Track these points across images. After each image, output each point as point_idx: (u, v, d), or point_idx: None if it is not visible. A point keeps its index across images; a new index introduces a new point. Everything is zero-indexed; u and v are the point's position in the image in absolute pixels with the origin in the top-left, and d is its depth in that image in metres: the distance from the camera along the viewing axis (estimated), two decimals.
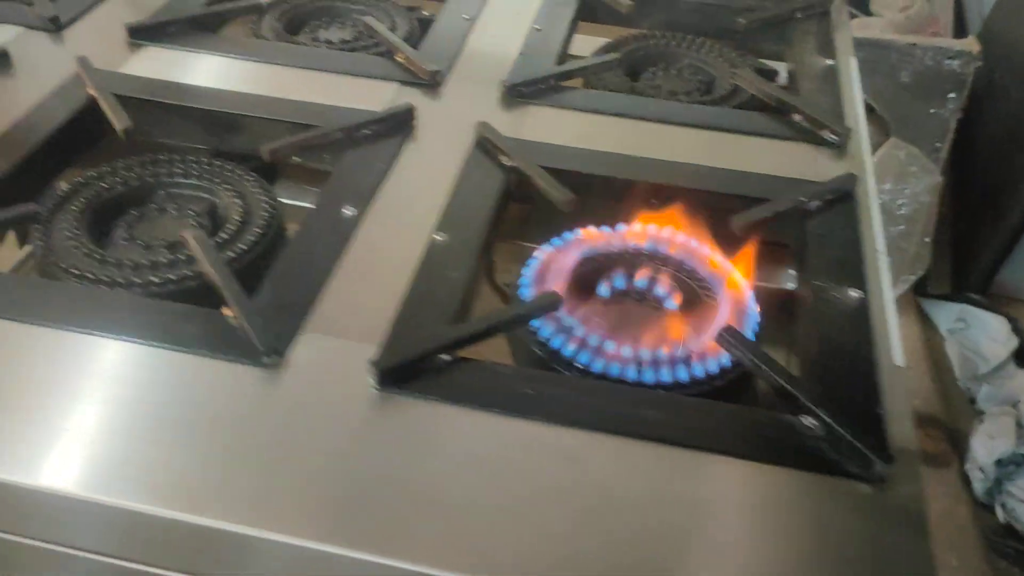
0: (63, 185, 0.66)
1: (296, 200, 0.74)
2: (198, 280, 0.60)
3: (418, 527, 0.46)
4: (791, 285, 0.70)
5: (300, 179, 0.77)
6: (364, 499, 0.47)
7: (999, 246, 2.04)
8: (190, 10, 0.86)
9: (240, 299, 0.55)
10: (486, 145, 0.71)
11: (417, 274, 0.59)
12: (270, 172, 0.73)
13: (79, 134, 0.72)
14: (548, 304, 0.57)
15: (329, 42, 0.88)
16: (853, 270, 0.62)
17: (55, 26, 0.82)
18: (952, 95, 1.91)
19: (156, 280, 0.60)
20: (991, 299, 2.03)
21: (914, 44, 1.84)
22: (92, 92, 0.73)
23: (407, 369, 0.52)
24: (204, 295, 0.59)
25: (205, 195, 0.69)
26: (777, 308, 0.65)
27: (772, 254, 0.70)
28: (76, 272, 0.60)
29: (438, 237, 0.62)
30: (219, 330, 0.55)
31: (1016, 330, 1.93)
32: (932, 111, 1.92)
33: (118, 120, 0.69)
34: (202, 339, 0.54)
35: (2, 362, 0.52)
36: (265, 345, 0.53)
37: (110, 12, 0.87)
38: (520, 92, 0.78)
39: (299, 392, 0.52)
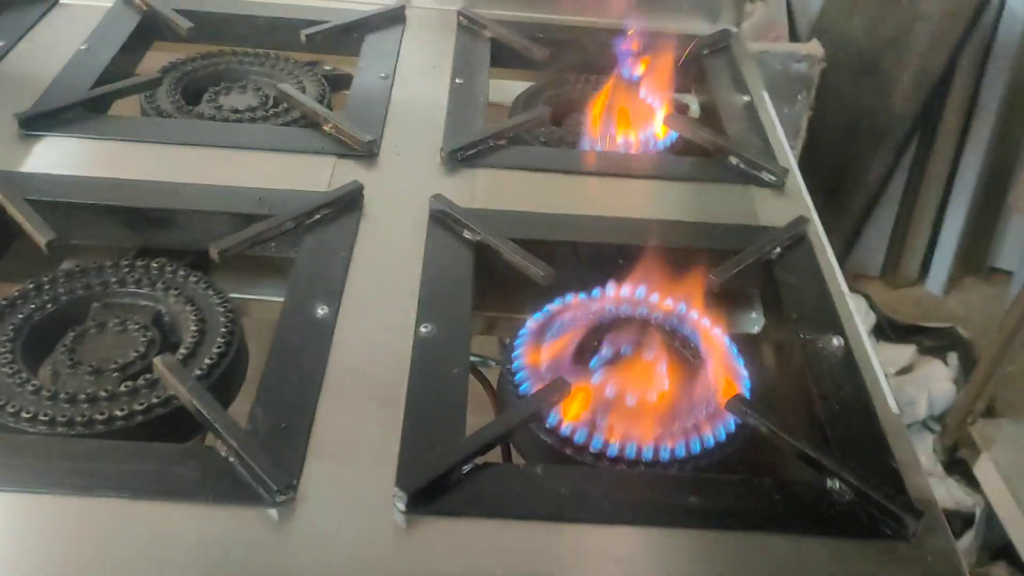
0: None
1: (240, 292, 0.69)
2: (168, 407, 0.54)
3: None
4: (756, 329, 0.71)
5: (235, 267, 0.71)
6: None
7: (848, 229, 2.18)
8: (80, 93, 0.78)
9: (235, 431, 0.50)
10: (444, 219, 0.68)
11: (413, 375, 0.56)
12: (202, 263, 0.67)
13: None
14: (559, 395, 0.55)
15: (236, 110, 0.83)
16: (829, 315, 0.64)
17: None
18: (801, 96, 2.02)
19: (120, 414, 0.54)
20: (845, 279, 2.17)
21: (765, 51, 1.92)
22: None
23: (435, 487, 0.49)
24: (175, 424, 0.54)
25: (147, 303, 0.63)
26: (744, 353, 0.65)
27: (728, 298, 0.71)
28: (27, 416, 0.53)
29: (423, 330, 0.59)
30: (214, 469, 0.50)
31: (872, 306, 2.07)
32: (785, 111, 2.02)
33: (40, 232, 0.62)
34: (199, 484, 0.49)
35: None
36: (275, 481, 0.48)
37: None
38: (460, 157, 0.76)
39: (318, 529, 0.48)
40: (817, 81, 1.98)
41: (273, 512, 0.48)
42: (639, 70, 0.89)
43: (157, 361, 0.54)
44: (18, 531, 0.46)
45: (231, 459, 0.50)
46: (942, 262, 2.17)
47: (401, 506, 0.49)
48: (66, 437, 0.52)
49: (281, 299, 0.62)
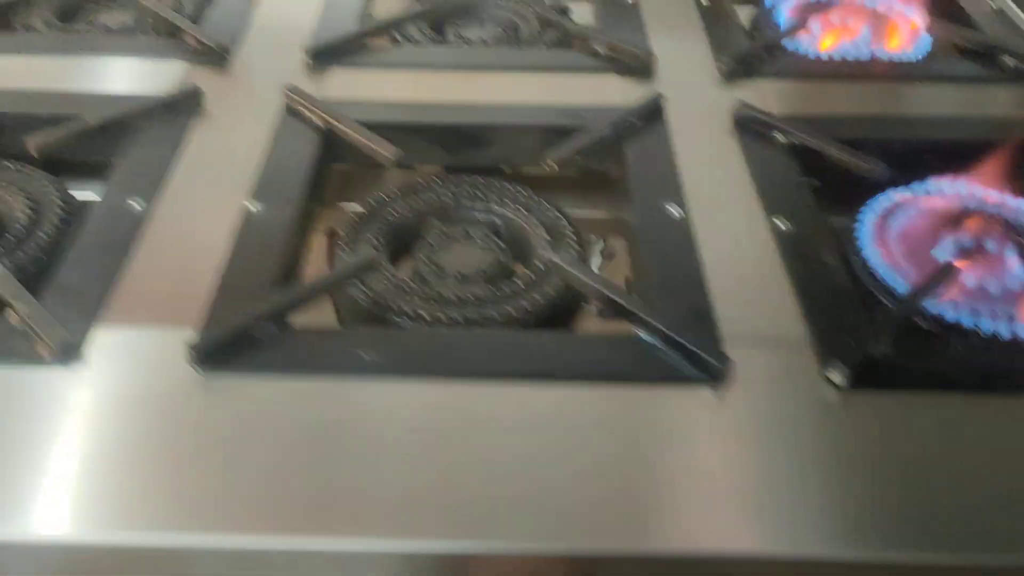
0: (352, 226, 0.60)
1: None
2: (556, 301, 0.55)
3: None
4: None
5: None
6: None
7: None
8: (353, 27, 0.80)
9: (661, 317, 0.51)
10: (751, 124, 0.68)
11: (786, 262, 0.57)
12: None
13: (320, 173, 0.65)
14: (944, 277, 0.55)
15: (478, 41, 0.82)
16: None
17: (222, 57, 0.74)
18: None
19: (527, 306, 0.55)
20: None
21: None
22: (335, 125, 0.66)
23: (865, 364, 0.50)
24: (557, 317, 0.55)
25: (485, 215, 0.63)
26: None
27: None
28: (422, 317, 0.54)
29: (778, 223, 0.60)
30: (640, 354, 0.50)
31: None
32: None
33: (385, 150, 0.63)
34: (633, 368, 0.50)
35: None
36: (715, 360, 0.49)
37: (263, 35, 0.79)
38: (742, 71, 0.76)
39: (751, 404, 0.48)
40: None
41: (708, 392, 0.49)
42: None
43: (554, 258, 0.55)
44: (436, 416, 0.47)
45: (657, 345, 0.50)
46: None
47: (839, 380, 0.49)
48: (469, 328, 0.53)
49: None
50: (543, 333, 0.54)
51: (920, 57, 0.81)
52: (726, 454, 0.46)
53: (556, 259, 0.55)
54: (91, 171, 0.67)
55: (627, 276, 0.62)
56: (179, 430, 0.46)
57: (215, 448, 0.45)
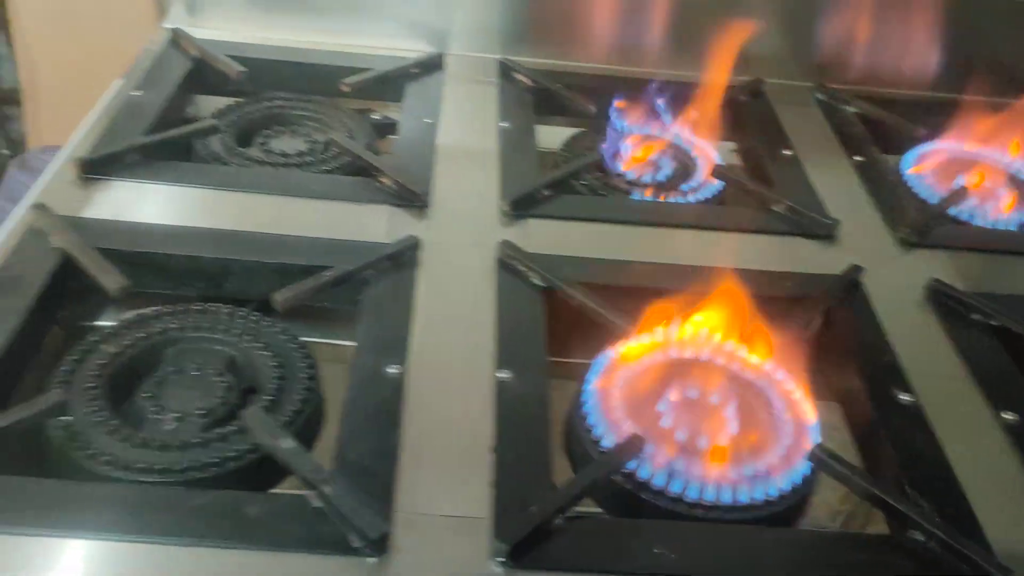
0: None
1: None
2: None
3: None
4: None
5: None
6: None
7: None
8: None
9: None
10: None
11: None
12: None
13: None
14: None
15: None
16: None
17: (424, 203, 0.75)
18: None
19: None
20: None
21: None
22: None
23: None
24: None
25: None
26: None
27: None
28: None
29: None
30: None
31: None
32: None
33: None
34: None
35: None
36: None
37: (450, 172, 0.81)
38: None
39: None
40: None
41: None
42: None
43: (247, 415, 0.54)
44: None
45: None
46: None
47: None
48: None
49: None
50: (779, 531, 0.54)
51: None
52: None
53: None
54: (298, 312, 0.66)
55: None
56: None
57: None
